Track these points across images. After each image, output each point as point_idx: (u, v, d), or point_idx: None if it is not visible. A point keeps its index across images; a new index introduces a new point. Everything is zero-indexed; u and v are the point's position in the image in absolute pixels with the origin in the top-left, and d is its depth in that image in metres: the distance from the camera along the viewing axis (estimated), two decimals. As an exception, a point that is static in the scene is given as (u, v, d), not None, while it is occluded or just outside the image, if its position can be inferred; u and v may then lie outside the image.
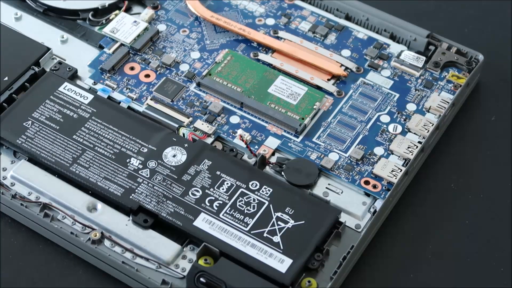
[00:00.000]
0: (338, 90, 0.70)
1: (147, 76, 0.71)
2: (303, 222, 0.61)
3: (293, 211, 0.61)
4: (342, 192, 0.64)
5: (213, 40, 0.74)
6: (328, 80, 0.71)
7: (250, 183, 0.63)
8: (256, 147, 0.67)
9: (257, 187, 0.63)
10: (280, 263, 0.59)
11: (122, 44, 0.72)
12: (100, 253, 0.60)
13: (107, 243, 0.60)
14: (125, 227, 0.61)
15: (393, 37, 0.74)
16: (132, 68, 0.71)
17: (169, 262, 0.59)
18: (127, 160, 0.64)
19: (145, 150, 0.64)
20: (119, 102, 0.69)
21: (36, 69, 0.70)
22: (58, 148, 0.64)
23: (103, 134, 0.65)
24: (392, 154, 0.66)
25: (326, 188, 0.64)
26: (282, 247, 0.59)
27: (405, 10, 0.79)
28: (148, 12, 0.75)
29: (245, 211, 0.61)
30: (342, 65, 0.72)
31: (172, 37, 0.74)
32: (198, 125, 0.67)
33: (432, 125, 0.67)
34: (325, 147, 0.67)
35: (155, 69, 0.71)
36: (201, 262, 0.59)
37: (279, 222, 0.61)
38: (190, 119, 0.68)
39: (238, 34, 0.74)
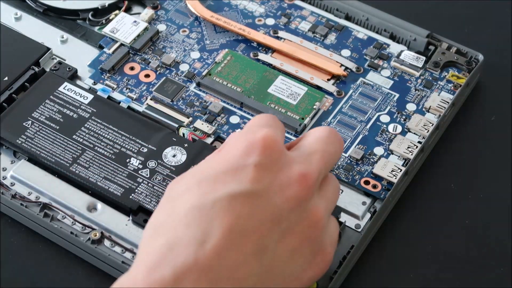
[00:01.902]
0: (338, 90, 0.70)
1: (147, 76, 0.71)
2: (303, 222, 0.61)
3: (293, 211, 0.61)
4: (342, 192, 0.64)
5: (213, 40, 0.74)
6: (328, 80, 0.71)
7: (250, 183, 0.63)
8: (256, 147, 0.66)
9: (257, 187, 0.62)
10: (280, 263, 0.59)
11: (122, 44, 0.72)
12: (100, 253, 0.60)
13: (107, 243, 0.60)
14: (125, 227, 0.61)
15: (393, 37, 0.74)
16: (132, 68, 0.71)
17: (169, 262, 0.59)
18: (127, 160, 0.64)
19: (145, 150, 0.64)
20: (119, 102, 0.69)
21: (36, 69, 0.70)
22: (58, 148, 0.64)
23: (103, 134, 0.65)
24: (392, 154, 0.66)
25: (326, 188, 0.64)
26: (282, 247, 0.59)
27: (405, 10, 0.79)
28: (148, 12, 0.75)
29: (245, 211, 0.61)
30: (342, 65, 0.72)
31: (172, 37, 0.74)
32: (198, 125, 0.67)
33: (432, 125, 0.67)
34: (325, 147, 0.67)
35: (155, 69, 0.71)
36: (201, 262, 0.59)
37: (279, 222, 0.61)
38: (190, 119, 0.68)
39: (238, 34, 0.74)
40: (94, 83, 0.70)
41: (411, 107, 0.69)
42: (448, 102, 0.69)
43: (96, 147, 0.64)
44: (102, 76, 0.71)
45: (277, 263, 0.49)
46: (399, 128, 0.68)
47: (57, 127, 0.65)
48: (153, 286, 0.46)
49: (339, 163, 0.65)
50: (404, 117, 0.69)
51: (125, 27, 0.73)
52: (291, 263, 0.49)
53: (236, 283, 0.47)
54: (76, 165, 0.63)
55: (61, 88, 0.68)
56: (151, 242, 0.49)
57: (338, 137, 0.55)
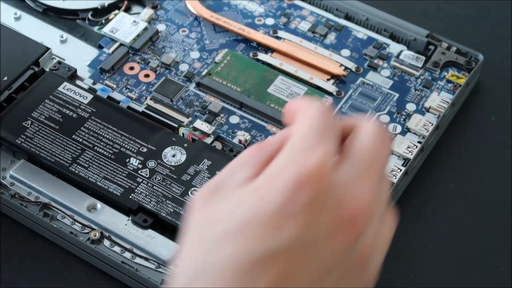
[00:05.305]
0: (338, 90, 0.70)
1: (147, 76, 0.71)
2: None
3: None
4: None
5: (212, 40, 0.74)
6: (328, 80, 0.71)
7: (250, 183, 0.63)
8: (256, 147, 0.66)
9: (257, 187, 0.62)
10: (280, 263, 0.58)
11: (121, 44, 0.72)
12: (99, 252, 0.60)
13: (106, 242, 0.60)
14: (125, 226, 0.61)
15: (392, 37, 0.74)
16: (131, 68, 0.71)
17: (169, 262, 0.59)
18: (127, 160, 0.64)
19: (145, 150, 0.64)
20: (119, 102, 0.69)
21: (36, 68, 0.70)
22: (58, 148, 0.64)
23: (103, 134, 0.65)
24: (392, 154, 0.66)
25: (326, 188, 0.64)
26: (282, 247, 0.59)
27: (405, 10, 0.79)
28: (147, 12, 0.75)
29: (245, 211, 0.61)
30: (341, 65, 0.72)
31: (172, 37, 0.74)
32: (198, 125, 0.67)
33: (431, 125, 0.67)
34: (324, 147, 0.66)
35: (154, 69, 0.71)
36: (200, 262, 0.59)
37: (279, 222, 0.60)
38: (190, 119, 0.68)
39: (238, 34, 0.74)
40: (94, 83, 0.70)
41: (410, 107, 0.69)
42: (448, 102, 0.69)
43: (95, 147, 0.64)
44: (102, 76, 0.70)
45: None
46: (399, 128, 0.68)
47: (57, 127, 0.65)
48: None
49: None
50: (403, 117, 0.69)
51: (125, 27, 0.73)
52: None
53: None
54: (76, 165, 0.63)
55: (60, 88, 0.68)
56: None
57: (387, 139, 0.44)
